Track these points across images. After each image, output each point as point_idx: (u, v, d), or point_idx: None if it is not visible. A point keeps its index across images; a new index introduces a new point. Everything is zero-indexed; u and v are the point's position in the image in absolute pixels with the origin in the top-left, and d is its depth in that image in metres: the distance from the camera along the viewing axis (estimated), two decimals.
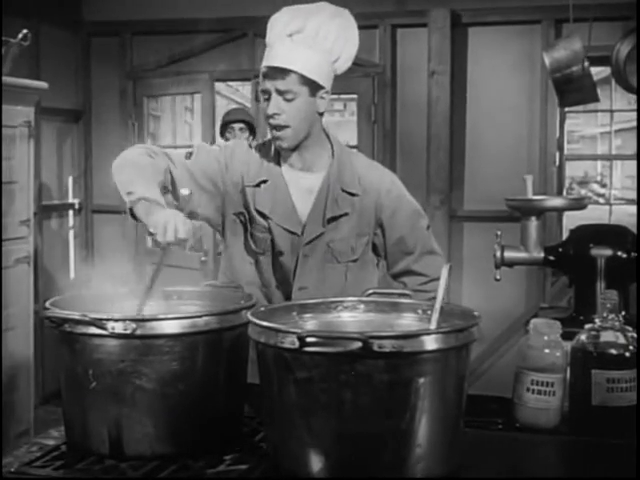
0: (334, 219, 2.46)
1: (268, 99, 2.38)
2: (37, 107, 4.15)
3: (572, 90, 4.15)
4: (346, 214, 2.46)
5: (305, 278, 2.47)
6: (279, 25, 2.36)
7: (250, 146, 2.57)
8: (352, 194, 2.47)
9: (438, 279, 1.99)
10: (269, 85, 2.36)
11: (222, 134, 5.14)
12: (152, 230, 2.09)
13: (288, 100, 2.36)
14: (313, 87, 2.37)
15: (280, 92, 2.35)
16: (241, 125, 5.10)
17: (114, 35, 5.81)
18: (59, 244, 5.77)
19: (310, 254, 2.47)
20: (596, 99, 4.22)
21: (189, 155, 2.48)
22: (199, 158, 2.49)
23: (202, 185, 2.47)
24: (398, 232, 2.53)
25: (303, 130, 2.42)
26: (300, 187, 2.49)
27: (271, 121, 2.39)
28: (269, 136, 2.50)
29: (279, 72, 2.34)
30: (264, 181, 2.49)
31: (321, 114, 2.45)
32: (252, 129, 5.13)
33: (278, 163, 2.51)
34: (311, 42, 2.35)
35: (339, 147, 2.53)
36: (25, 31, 3.72)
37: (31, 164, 4.00)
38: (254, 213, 2.48)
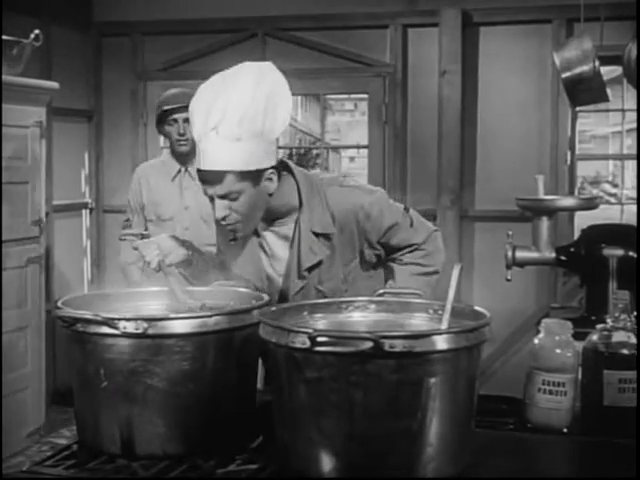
0: (312, 268, 2.39)
1: (212, 201, 2.25)
2: (49, 107, 4.16)
3: (582, 90, 4.14)
4: (321, 262, 2.39)
5: None
6: (199, 119, 2.18)
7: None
8: (327, 236, 2.38)
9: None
10: (209, 191, 2.23)
11: (160, 127, 3.97)
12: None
13: (233, 200, 2.23)
14: (255, 176, 2.23)
15: (222, 197, 2.22)
16: (185, 115, 3.66)
17: (125, 35, 5.82)
18: (71, 243, 5.78)
19: (302, 299, 2.35)
20: (606, 99, 4.21)
21: None
22: None
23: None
24: (388, 242, 2.48)
25: (257, 216, 2.32)
26: (274, 238, 2.44)
27: (222, 222, 2.28)
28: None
29: (214, 175, 2.19)
30: (234, 239, 2.43)
31: (271, 194, 2.30)
32: None
33: None
34: (238, 130, 2.15)
35: (307, 188, 2.40)
36: (37, 31, 3.73)
37: (43, 164, 4.01)
38: None
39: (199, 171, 2.23)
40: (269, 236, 2.44)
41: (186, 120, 3.69)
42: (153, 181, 4.00)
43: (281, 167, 2.35)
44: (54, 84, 4.06)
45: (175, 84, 5.85)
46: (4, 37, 3.69)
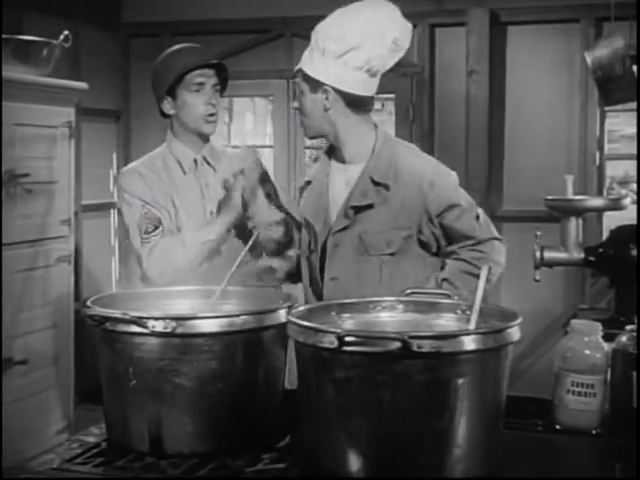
0: (357, 209, 2.46)
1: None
2: (77, 108, 4.18)
3: (614, 89, 4.12)
4: (370, 205, 2.45)
5: (335, 268, 2.48)
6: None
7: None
8: (380, 184, 2.45)
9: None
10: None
11: (168, 102, 2.85)
12: None
13: None
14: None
15: None
16: (214, 80, 2.82)
17: (153, 36, 5.85)
18: (99, 243, 5.82)
19: (340, 244, 2.47)
20: (639, 97, 4.18)
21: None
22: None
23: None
24: (451, 225, 2.47)
25: None
26: (340, 180, 2.54)
27: None
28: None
29: None
30: (309, 182, 2.61)
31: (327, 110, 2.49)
32: (225, 82, 2.88)
33: (329, 161, 2.60)
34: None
35: (383, 140, 2.54)
36: (66, 33, 3.75)
37: (72, 164, 4.03)
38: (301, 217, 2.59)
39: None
40: (337, 181, 2.55)
41: (215, 85, 2.81)
42: (163, 184, 2.83)
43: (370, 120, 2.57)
44: (83, 85, 4.09)
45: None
46: (33, 38, 3.73)
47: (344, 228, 2.47)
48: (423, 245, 2.49)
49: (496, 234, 2.55)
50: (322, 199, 2.55)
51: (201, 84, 2.77)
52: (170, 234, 2.74)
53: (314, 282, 2.54)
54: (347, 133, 2.50)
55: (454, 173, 2.55)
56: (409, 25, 2.46)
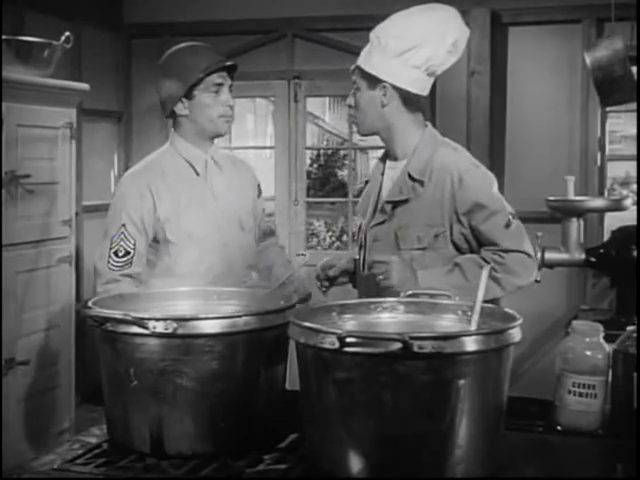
0: (394, 205, 2.51)
1: None
2: (79, 108, 4.19)
3: (613, 90, 4.12)
4: (405, 200, 2.49)
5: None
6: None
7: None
8: (415, 180, 2.49)
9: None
10: None
11: (187, 95, 2.73)
12: None
13: None
14: None
15: None
16: (229, 81, 2.80)
17: (155, 37, 5.85)
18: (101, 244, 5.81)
19: (378, 239, 2.54)
20: (639, 99, 4.18)
21: None
22: None
23: None
24: (477, 226, 2.46)
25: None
26: (389, 177, 2.61)
27: None
28: None
29: None
30: (367, 182, 2.73)
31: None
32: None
33: (384, 161, 2.67)
34: None
35: (428, 138, 2.56)
36: (67, 33, 3.76)
37: (73, 165, 4.03)
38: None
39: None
40: (388, 178, 2.62)
41: (230, 87, 2.78)
42: (169, 188, 2.75)
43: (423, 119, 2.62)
44: (84, 85, 4.09)
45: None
46: (35, 39, 3.73)
47: (381, 223, 2.54)
48: (455, 245, 2.49)
49: (526, 249, 2.47)
50: (372, 196, 2.64)
51: (220, 85, 2.73)
52: (141, 260, 2.72)
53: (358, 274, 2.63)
54: (400, 130, 2.56)
55: (491, 175, 2.56)
56: (467, 29, 2.51)
